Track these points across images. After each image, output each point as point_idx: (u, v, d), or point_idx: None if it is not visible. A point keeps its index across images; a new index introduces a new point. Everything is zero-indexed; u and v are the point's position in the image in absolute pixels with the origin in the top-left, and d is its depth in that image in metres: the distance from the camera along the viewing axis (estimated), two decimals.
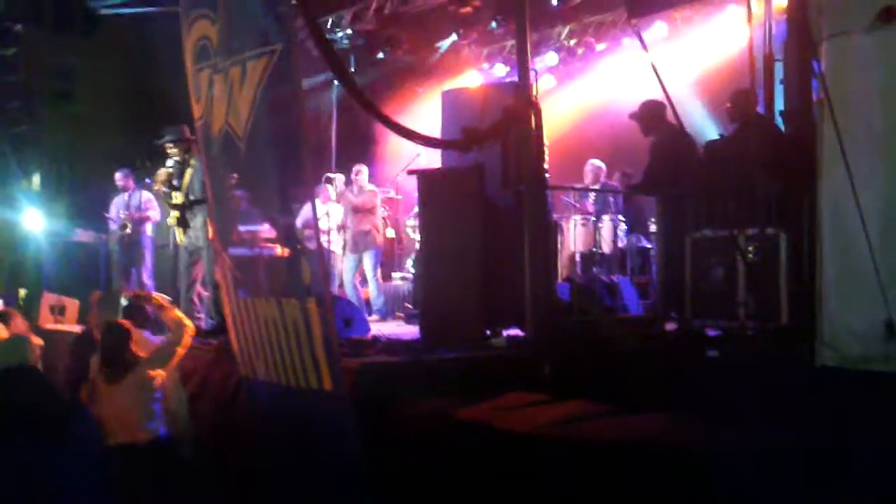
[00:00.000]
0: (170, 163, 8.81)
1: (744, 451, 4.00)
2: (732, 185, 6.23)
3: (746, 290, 6.11)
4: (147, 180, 10.90)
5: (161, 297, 6.64)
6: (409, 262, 11.69)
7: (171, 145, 8.73)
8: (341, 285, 10.75)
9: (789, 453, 3.92)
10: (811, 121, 5.50)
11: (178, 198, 8.65)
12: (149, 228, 11.35)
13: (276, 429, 5.56)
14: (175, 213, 8.69)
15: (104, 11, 13.72)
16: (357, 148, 14.10)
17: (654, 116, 7.80)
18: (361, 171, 10.82)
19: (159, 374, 5.84)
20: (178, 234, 8.77)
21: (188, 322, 6.17)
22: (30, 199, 13.64)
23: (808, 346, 5.04)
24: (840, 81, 5.02)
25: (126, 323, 6.06)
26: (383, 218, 11.36)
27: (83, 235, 12.53)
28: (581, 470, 4.22)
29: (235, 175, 5.82)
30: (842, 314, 4.91)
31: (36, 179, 14.18)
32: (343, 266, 10.77)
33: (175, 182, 8.74)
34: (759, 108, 6.71)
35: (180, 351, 5.99)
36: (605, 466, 4.15)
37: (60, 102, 15.11)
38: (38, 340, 6.26)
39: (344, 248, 10.83)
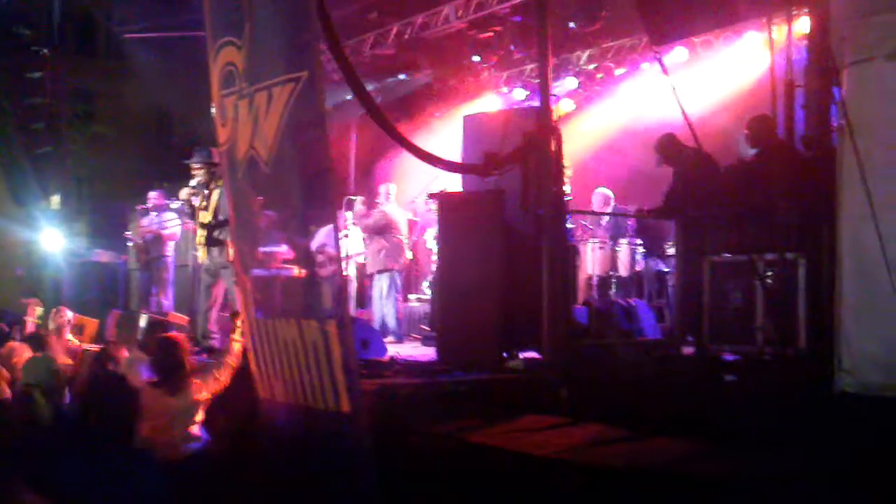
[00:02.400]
0: (193, 182, 8.91)
1: (761, 477, 3.98)
2: (752, 210, 6.24)
3: (764, 315, 6.10)
4: (173, 199, 11.04)
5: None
6: (426, 284, 11.70)
7: (196, 166, 8.85)
8: (358, 306, 10.79)
9: (807, 480, 3.90)
10: (831, 146, 5.51)
11: (205, 217, 8.75)
12: (170, 248, 11.43)
13: (293, 450, 5.56)
14: (202, 232, 8.78)
15: (127, 35, 13.92)
16: (375, 170, 14.19)
17: (669, 148, 7.89)
18: (381, 192, 10.87)
19: (203, 393, 6.00)
20: (201, 253, 8.84)
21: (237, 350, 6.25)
22: (50, 219, 13.79)
23: (826, 372, 5.02)
24: (861, 108, 5.02)
25: (179, 336, 6.21)
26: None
27: (102, 255, 12.63)
28: (597, 495, 4.21)
29: (261, 198, 5.87)
30: (861, 340, 4.89)
31: (56, 199, 14.33)
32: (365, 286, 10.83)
33: (195, 201, 8.85)
34: (779, 134, 6.72)
35: (217, 374, 6.10)
36: (621, 492, 4.13)
37: (82, 124, 15.32)
38: (66, 360, 6.33)
39: (363, 269, 10.89)
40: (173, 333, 6.53)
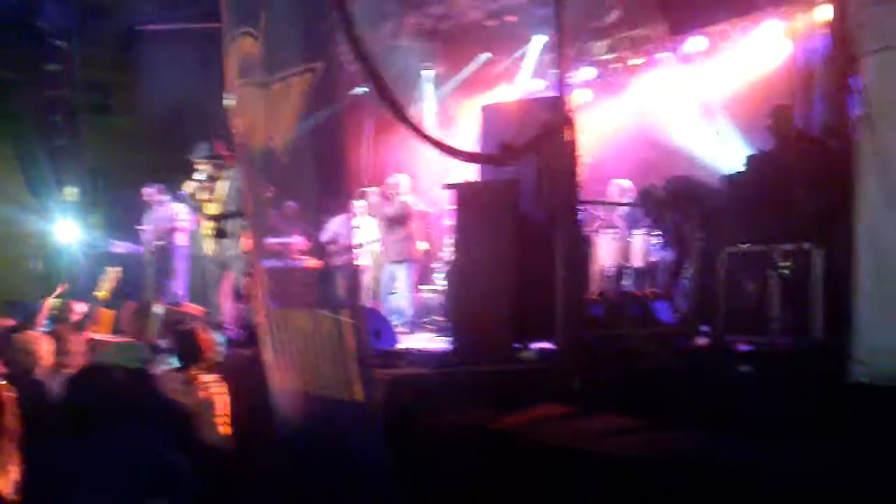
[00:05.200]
0: (198, 176, 8.94)
1: (774, 467, 3.96)
2: (770, 201, 6.20)
3: (780, 306, 6.07)
4: (181, 192, 11.05)
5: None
6: (440, 275, 11.69)
7: (200, 160, 8.89)
8: (372, 297, 10.80)
9: (820, 470, 3.88)
10: (850, 136, 5.48)
11: (212, 208, 8.77)
12: (181, 239, 11.44)
13: (307, 439, 5.58)
14: (210, 224, 8.79)
15: (143, 28, 13.94)
16: (390, 160, 14.16)
17: (649, 202, 8.21)
18: (399, 183, 10.85)
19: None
20: (208, 245, 8.86)
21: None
22: (66, 211, 13.85)
23: (841, 363, 4.99)
24: (880, 97, 4.99)
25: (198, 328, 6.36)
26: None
27: (119, 247, 12.67)
28: (610, 484, 4.20)
29: (272, 188, 5.89)
30: (877, 331, 4.86)
31: (72, 191, 14.38)
32: (380, 277, 10.82)
33: (202, 195, 8.89)
34: (797, 124, 6.69)
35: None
36: (634, 481, 4.12)
37: (99, 116, 15.37)
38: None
39: (378, 259, 10.88)
40: (192, 325, 6.63)
